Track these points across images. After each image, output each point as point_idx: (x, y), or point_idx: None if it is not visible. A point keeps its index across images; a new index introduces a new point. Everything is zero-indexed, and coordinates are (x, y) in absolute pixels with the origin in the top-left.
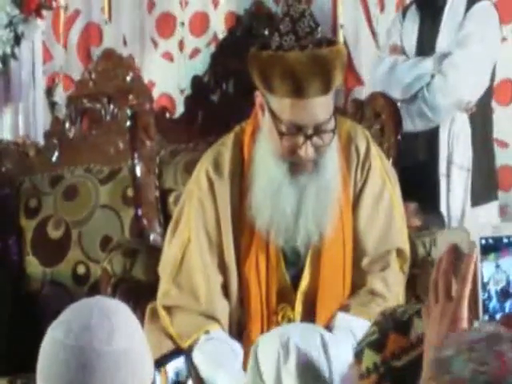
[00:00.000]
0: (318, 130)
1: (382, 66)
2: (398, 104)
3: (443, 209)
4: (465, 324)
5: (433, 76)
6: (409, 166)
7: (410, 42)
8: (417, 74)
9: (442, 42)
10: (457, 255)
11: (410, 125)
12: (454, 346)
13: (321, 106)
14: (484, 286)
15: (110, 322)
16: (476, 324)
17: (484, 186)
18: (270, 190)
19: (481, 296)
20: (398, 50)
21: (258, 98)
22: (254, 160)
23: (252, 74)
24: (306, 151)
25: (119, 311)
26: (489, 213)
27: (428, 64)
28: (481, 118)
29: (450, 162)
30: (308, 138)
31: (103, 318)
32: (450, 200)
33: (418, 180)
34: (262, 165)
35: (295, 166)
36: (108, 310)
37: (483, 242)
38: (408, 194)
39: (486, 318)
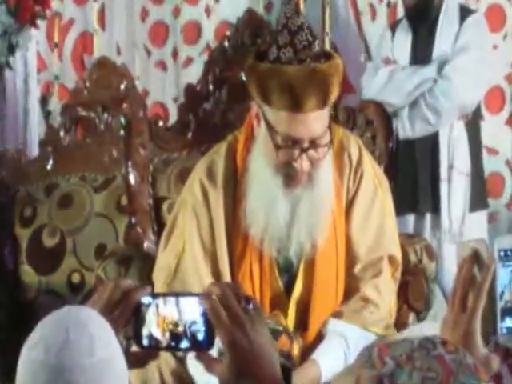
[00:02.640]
0: (314, 144)
1: (379, 75)
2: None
3: (444, 213)
4: (477, 337)
5: (435, 81)
6: (410, 171)
7: (403, 54)
8: (418, 81)
9: (439, 52)
10: (478, 263)
11: (410, 131)
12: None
13: (317, 120)
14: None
15: (88, 332)
16: (494, 338)
17: (477, 193)
18: (264, 200)
19: (499, 308)
20: (390, 62)
21: (254, 108)
22: (249, 170)
23: (249, 84)
24: (301, 164)
25: (94, 319)
26: (481, 219)
27: (429, 70)
28: (473, 126)
29: (450, 167)
30: (304, 151)
31: (81, 330)
32: (451, 204)
33: (420, 185)
34: (257, 175)
35: (290, 177)
36: (83, 320)
37: (502, 253)
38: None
39: (504, 331)
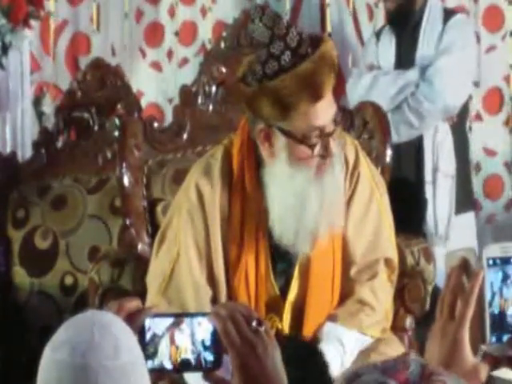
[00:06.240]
0: (332, 128)
1: (363, 81)
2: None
3: (429, 215)
4: (466, 345)
5: (417, 85)
6: (395, 175)
7: (387, 59)
8: (401, 85)
9: (422, 55)
10: (467, 272)
11: (395, 135)
12: None
13: (330, 102)
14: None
15: (113, 335)
16: (483, 347)
17: (464, 195)
18: (294, 205)
19: (488, 317)
20: (374, 68)
21: (262, 132)
22: (268, 185)
23: (261, 109)
24: (330, 148)
25: (117, 324)
26: (469, 221)
27: (411, 74)
28: (459, 128)
29: (435, 170)
30: (326, 136)
31: (106, 333)
32: (436, 206)
33: (405, 188)
34: (281, 187)
35: (317, 168)
36: (108, 324)
37: (490, 261)
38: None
39: (494, 339)
